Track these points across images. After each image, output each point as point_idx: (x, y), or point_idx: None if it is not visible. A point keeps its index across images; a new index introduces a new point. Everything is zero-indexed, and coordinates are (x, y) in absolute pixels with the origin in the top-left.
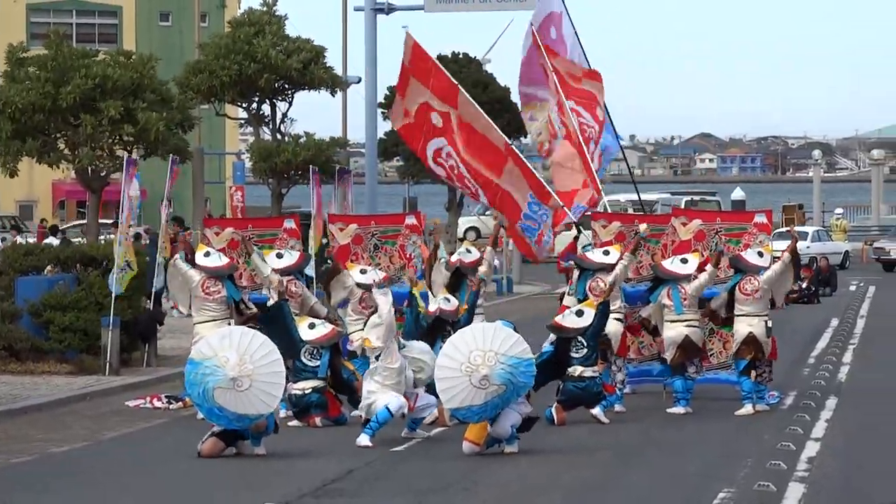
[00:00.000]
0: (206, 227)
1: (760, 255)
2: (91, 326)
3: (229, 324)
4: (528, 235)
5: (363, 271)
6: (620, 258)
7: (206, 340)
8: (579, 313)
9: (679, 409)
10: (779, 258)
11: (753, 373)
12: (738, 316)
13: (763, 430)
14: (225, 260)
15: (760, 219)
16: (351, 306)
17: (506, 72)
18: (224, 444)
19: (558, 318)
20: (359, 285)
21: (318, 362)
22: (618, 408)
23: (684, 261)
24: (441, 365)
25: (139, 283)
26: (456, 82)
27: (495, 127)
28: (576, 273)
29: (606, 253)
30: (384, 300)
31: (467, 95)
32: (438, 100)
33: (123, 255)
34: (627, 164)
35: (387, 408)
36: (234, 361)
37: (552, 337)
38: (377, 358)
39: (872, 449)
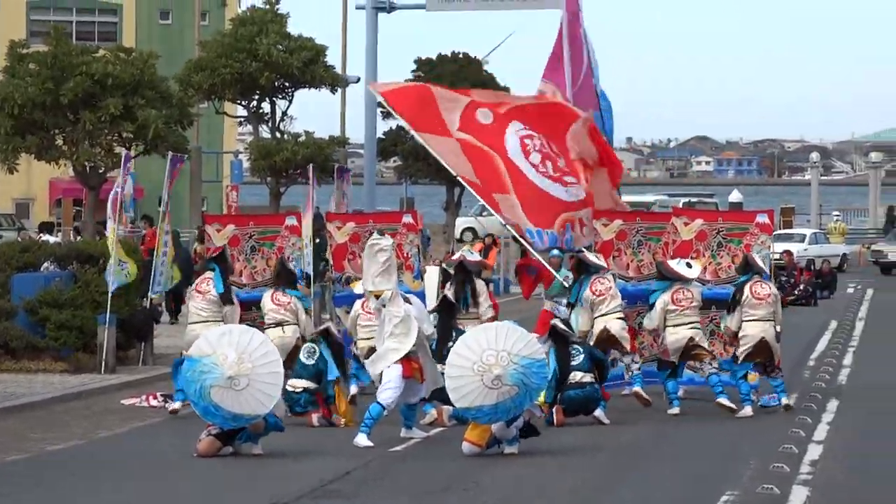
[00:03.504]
0: (208, 223)
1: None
2: (87, 324)
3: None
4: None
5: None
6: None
7: (205, 337)
8: (689, 265)
9: (675, 410)
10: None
11: (754, 375)
12: (749, 321)
13: (765, 433)
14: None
15: (762, 219)
16: (361, 317)
17: (506, 72)
18: (221, 444)
19: (669, 262)
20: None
21: (314, 361)
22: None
23: (689, 265)
24: (452, 363)
25: (135, 280)
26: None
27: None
28: (563, 275)
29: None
30: (386, 244)
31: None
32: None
33: (117, 253)
34: None
35: (378, 402)
36: (232, 359)
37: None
38: (384, 306)
39: (875, 452)
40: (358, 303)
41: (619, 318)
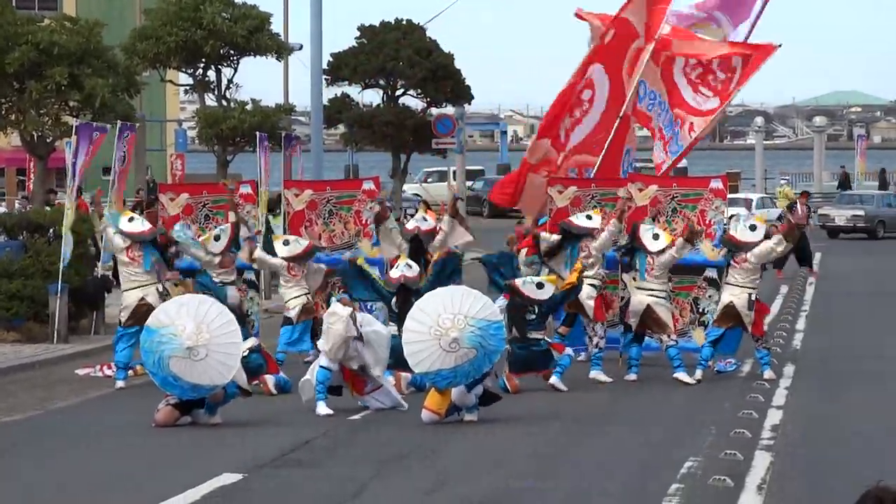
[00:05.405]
0: (161, 192)
1: (754, 228)
2: (38, 294)
3: (158, 290)
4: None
5: (286, 242)
6: (607, 225)
7: (163, 308)
8: (539, 286)
9: (632, 377)
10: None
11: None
12: (724, 284)
13: (723, 399)
14: (147, 226)
15: (716, 184)
16: (282, 275)
17: (449, 38)
18: (179, 414)
19: (517, 282)
20: (284, 258)
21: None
22: (598, 375)
23: (589, 217)
24: (409, 329)
25: (87, 249)
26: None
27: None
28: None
29: (589, 218)
30: (344, 313)
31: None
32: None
33: (70, 224)
34: None
35: (321, 367)
36: (190, 330)
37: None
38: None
39: (834, 415)
40: (283, 265)
41: (590, 285)
